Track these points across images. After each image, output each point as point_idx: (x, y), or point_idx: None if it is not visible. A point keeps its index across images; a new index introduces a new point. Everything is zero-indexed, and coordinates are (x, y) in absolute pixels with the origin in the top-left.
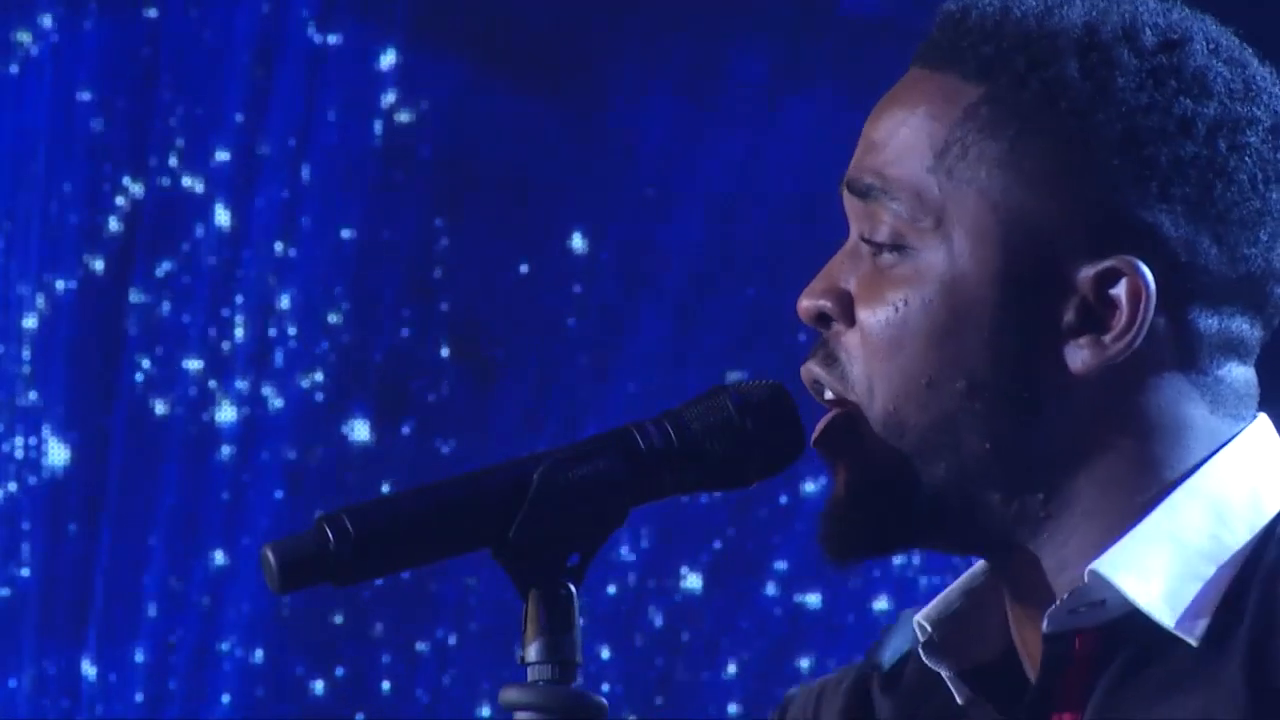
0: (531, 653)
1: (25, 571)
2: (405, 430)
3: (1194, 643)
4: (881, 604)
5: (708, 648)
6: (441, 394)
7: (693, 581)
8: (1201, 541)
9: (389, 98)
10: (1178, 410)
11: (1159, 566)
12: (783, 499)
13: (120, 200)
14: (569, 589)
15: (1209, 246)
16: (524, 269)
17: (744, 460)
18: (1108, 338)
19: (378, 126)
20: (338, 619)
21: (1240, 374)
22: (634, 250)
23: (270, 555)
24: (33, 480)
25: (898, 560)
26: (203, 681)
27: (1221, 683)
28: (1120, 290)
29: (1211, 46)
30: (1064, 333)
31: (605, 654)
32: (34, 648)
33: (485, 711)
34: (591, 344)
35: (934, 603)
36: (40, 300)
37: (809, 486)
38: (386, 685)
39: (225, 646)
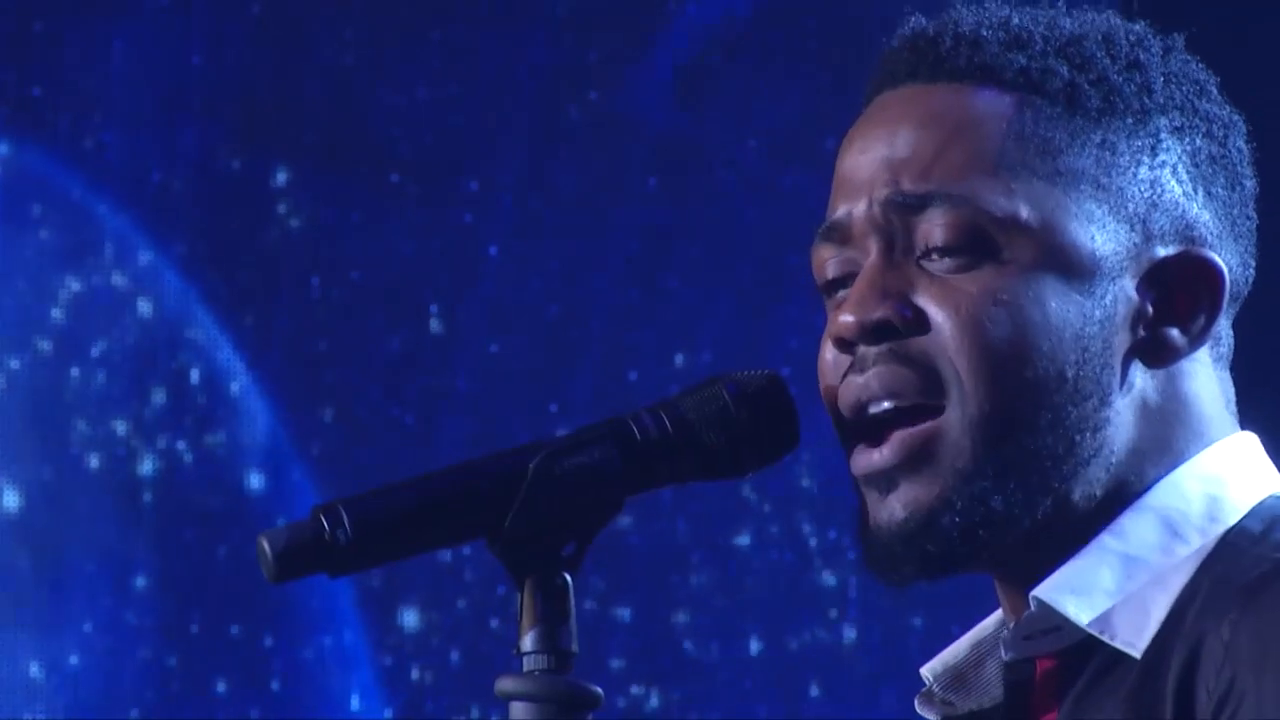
0: (527, 642)
1: None
2: (294, 479)
3: (1138, 656)
4: (681, 617)
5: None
6: (327, 448)
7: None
8: (1150, 555)
9: (281, 208)
10: (1213, 399)
11: (1104, 585)
12: None
13: (63, 294)
14: (564, 578)
15: (1233, 247)
16: (394, 345)
17: (740, 450)
18: (1193, 324)
19: (273, 231)
20: (234, 630)
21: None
22: (483, 330)
23: (265, 544)
24: None
25: (696, 580)
26: (124, 683)
27: (1156, 695)
28: (1196, 275)
29: (1182, 55)
30: (1152, 321)
31: (454, 657)
32: None
33: (355, 704)
34: (446, 407)
35: (941, 655)
36: None
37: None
38: (275, 685)
39: (146, 655)
